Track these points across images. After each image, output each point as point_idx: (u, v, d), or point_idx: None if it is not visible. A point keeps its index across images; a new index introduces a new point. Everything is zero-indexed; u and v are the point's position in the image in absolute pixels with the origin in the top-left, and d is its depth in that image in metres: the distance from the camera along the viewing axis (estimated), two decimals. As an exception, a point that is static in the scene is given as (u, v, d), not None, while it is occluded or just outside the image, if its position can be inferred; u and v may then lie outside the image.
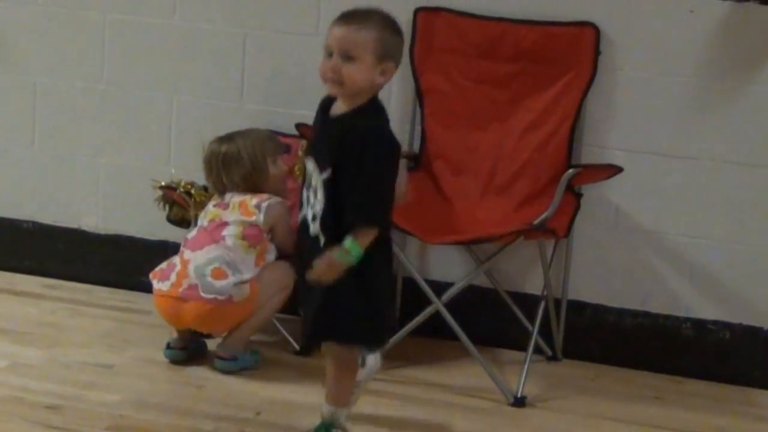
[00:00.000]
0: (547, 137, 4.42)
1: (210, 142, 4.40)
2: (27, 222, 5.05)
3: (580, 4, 4.45)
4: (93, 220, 4.96)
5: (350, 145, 3.32)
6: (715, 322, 4.58)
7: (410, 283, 4.47)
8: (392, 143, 3.44)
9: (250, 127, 4.50)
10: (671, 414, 4.32)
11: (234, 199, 4.32)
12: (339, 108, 3.45)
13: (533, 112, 4.46)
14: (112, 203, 4.93)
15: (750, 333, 4.57)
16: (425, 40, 4.53)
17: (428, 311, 4.29)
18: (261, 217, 4.26)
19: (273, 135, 4.46)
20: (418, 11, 4.53)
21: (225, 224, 4.26)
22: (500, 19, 4.46)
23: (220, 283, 4.15)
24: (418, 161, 4.59)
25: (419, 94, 4.56)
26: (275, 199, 4.31)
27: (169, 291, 4.19)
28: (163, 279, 4.21)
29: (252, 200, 4.28)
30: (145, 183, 4.52)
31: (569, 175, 4.18)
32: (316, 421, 3.78)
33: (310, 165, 3.43)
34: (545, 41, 4.43)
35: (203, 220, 4.33)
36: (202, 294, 4.14)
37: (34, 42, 5.01)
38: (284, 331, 4.54)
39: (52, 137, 5.02)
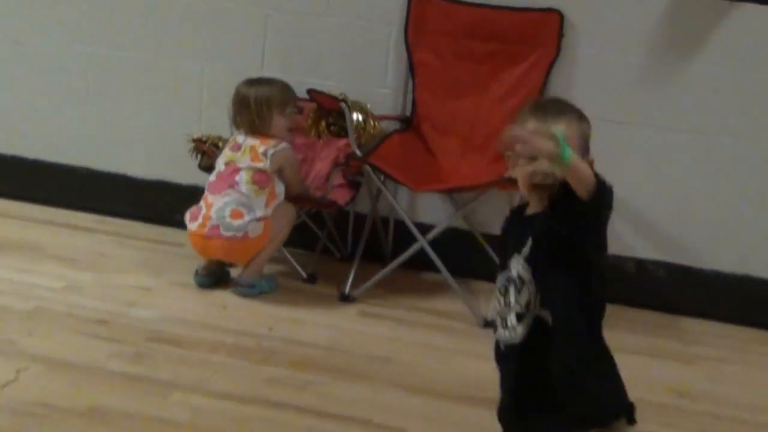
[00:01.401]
0: (517, 105, 4.30)
1: (241, 82, 4.41)
2: (82, 168, 5.06)
3: None
4: (136, 167, 4.99)
5: None
6: (654, 262, 4.68)
7: (401, 224, 4.53)
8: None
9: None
10: (616, 335, 4.30)
11: (246, 142, 4.33)
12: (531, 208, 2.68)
13: (506, 84, 4.51)
14: (152, 153, 4.97)
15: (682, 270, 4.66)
16: (418, 23, 4.57)
17: (415, 247, 4.38)
18: (267, 163, 4.27)
19: (287, 88, 4.43)
20: None
21: (238, 170, 4.28)
22: (481, 6, 4.52)
23: (237, 222, 4.23)
24: (409, 123, 4.64)
25: (411, 68, 4.60)
26: (281, 146, 4.33)
27: (197, 231, 4.29)
28: (193, 220, 4.31)
29: (260, 147, 4.30)
30: (180, 137, 4.55)
31: None
32: (319, 335, 4.01)
33: (515, 264, 2.61)
34: (517, 25, 4.48)
35: (220, 163, 4.35)
36: (223, 233, 4.24)
37: (91, 17, 5.00)
38: (294, 262, 4.60)
39: (103, 97, 5.02)
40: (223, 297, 4.34)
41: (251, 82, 4.38)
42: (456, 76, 4.59)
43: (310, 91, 4.47)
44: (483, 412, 3.45)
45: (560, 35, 4.48)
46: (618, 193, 4.34)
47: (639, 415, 2.71)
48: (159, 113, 4.96)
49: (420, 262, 4.47)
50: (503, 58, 4.46)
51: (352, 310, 4.36)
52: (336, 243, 4.81)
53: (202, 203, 4.32)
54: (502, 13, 4.48)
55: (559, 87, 4.52)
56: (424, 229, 4.40)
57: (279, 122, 4.36)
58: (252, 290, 4.36)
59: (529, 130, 2.36)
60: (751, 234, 4.60)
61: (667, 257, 4.68)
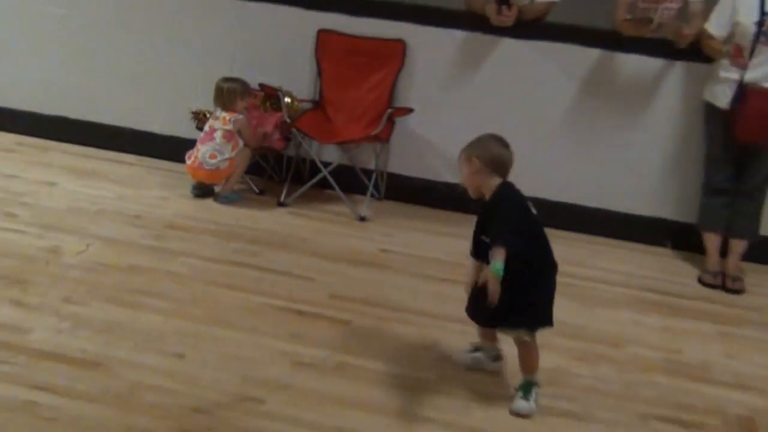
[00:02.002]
0: (378, 94, 4.45)
1: (219, 79, 4.31)
2: (126, 128, 4.89)
3: (397, 29, 4.42)
4: (158, 126, 4.84)
5: None
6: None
7: (312, 162, 4.51)
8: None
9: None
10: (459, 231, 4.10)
11: (221, 114, 4.28)
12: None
13: (373, 82, 4.47)
14: (170, 117, 4.77)
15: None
16: (323, 45, 4.50)
17: (320, 175, 4.39)
18: (231, 126, 4.26)
19: (245, 84, 4.31)
20: (320, 31, 4.51)
21: (215, 130, 4.27)
22: (358, 37, 4.47)
23: (213, 161, 4.25)
24: (318, 104, 4.56)
25: (319, 72, 4.55)
26: (239, 116, 4.27)
27: (190, 164, 4.28)
28: (188, 158, 4.28)
29: (228, 116, 4.26)
30: (187, 112, 4.50)
31: (388, 113, 4.30)
32: (265, 224, 4.07)
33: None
34: (379, 48, 4.43)
35: (207, 126, 4.31)
36: (204, 167, 4.25)
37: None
38: (251, 183, 4.56)
39: (143, 81, 4.82)
40: (209, 203, 4.33)
41: (225, 80, 4.33)
42: (344, 77, 4.54)
43: (261, 85, 4.45)
44: (356, 268, 3.67)
45: (404, 54, 4.45)
46: (441, 146, 4.46)
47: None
48: (175, 94, 4.78)
49: (324, 184, 4.43)
50: (370, 67, 4.42)
51: (284, 210, 4.35)
52: (276, 172, 4.74)
53: (194, 149, 4.31)
54: (370, 41, 4.45)
55: (402, 85, 4.49)
56: (326, 164, 4.40)
57: (239, 103, 4.31)
58: (226, 200, 4.34)
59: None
60: None
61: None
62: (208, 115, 4.39)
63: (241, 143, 4.31)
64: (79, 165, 4.64)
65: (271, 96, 4.52)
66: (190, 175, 4.33)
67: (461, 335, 3.15)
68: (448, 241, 4.10)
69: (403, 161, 4.58)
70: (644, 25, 4.10)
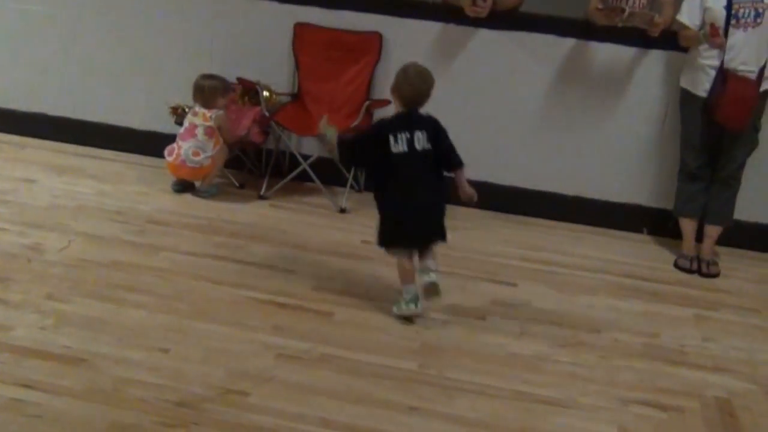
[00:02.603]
0: (356, 87, 4.44)
1: (198, 75, 4.30)
2: (103, 124, 4.84)
3: (374, 22, 4.41)
4: (137, 122, 4.80)
5: None
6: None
7: (292, 155, 4.51)
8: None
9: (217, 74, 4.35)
10: None
11: (200, 110, 4.26)
12: None
13: (350, 74, 4.46)
14: (148, 115, 4.73)
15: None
16: (300, 38, 4.49)
17: (300, 168, 4.38)
18: (212, 122, 4.24)
19: (225, 81, 4.32)
20: (296, 25, 4.49)
21: (196, 126, 4.24)
22: (335, 30, 4.46)
23: (196, 158, 4.22)
24: (296, 97, 4.55)
25: (297, 65, 4.53)
26: (219, 112, 4.26)
27: (173, 162, 4.25)
28: (169, 155, 4.25)
29: (208, 113, 4.25)
30: (165, 108, 4.46)
31: (366, 105, 4.32)
32: (246, 218, 4.08)
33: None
34: (356, 41, 4.42)
35: (186, 122, 4.28)
36: (188, 164, 4.23)
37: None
38: (231, 177, 4.53)
39: (113, 74, 4.76)
40: (189, 198, 4.32)
41: (205, 77, 4.31)
42: (322, 69, 4.53)
43: (239, 79, 4.44)
44: (338, 260, 3.69)
45: (381, 47, 4.44)
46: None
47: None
48: (153, 89, 4.72)
49: (304, 176, 4.43)
50: (347, 60, 4.40)
51: (265, 204, 4.35)
52: (256, 166, 4.72)
53: (174, 145, 4.28)
54: (347, 34, 4.44)
55: (379, 77, 4.45)
56: (305, 157, 4.38)
57: (219, 101, 4.31)
58: (206, 194, 4.34)
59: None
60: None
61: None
62: (186, 110, 4.37)
63: (221, 141, 4.29)
64: (58, 162, 4.61)
65: (249, 90, 4.50)
66: (171, 172, 4.31)
67: (442, 324, 3.22)
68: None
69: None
70: (616, 15, 4.12)
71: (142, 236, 3.74)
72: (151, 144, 4.61)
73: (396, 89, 3.11)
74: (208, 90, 4.25)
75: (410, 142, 3.05)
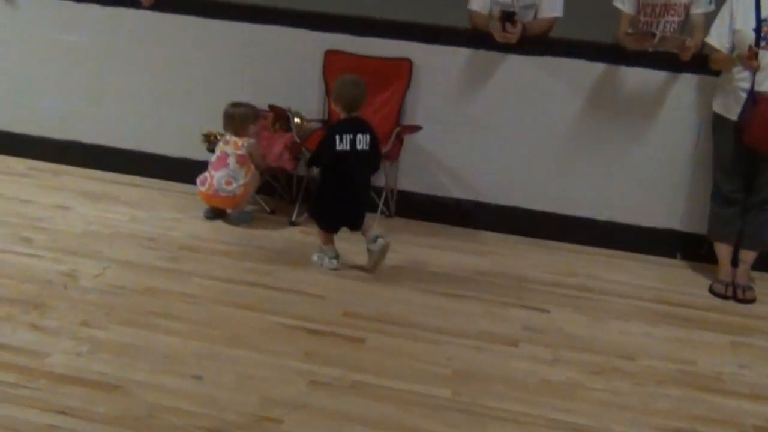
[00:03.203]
0: (386, 113, 4.44)
1: (228, 104, 4.32)
2: (138, 151, 4.87)
3: (404, 48, 4.44)
4: (169, 149, 4.83)
5: None
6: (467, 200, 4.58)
7: None
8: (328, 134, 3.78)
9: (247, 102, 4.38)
10: (449, 242, 4.44)
11: (232, 139, 4.29)
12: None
13: (380, 101, 4.45)
14: (180, 142, 4.75)
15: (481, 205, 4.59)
16: (330, 65, 4.50)
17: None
18: (244, 150, 4.27)
19: (255, 109, 4.36)
20: (327, 51, 4.52)
21: (227, 155, 4.27)
22: (365, 56, 4.47)
23: (229, 188, 4.25)
24: (327, 123, 4.53)
25: (327, 91, 4.52)
26: (251, 140, 4.30)
27: (205, 191, 4.28)
28: (202, 184, 4.28)
29: (239, 141, 4.28)
30: (197, 135, 4.45)
31: (396, 131, 4.35)
32: (276, 244, 4.08)
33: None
34: (386, 67, 4.44)
35: (218, 150, 4.31)
36: (220, 193, 4.25)
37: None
38: (262, 203, 4.56)
39: (146, 102, 4.83)
40: (221, 224, 4.33)
41: (234, 105, 4.33)
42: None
43: (270, 106, 4.48)
44: (368, 285, 3.65)
45: (411, 73, 4.47)
46: (450, 162, 4.55)
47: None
48: (185, 117, 4.76)
49: None
50: (377, 86, 4.36)
51: (296, 230, 4.35)
52: (287, 192, 4.73)
53: (207, 174, 4.31)
54: (377, 60, 4.44)
55: (410, 103, 4.50)
56: None
57: (250, 128, 4.34)
58: (238, 220, 4.35)
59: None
60: (511, 178, 4.55)
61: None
62: (219, 137, 4.40)
63: (253, 168, 4.32)
64: (92, 188, 4.66)
65: (280, 116, 4.53)
66: (203, 200, 4.33)
67: (473, 350, 3.22)
68: (457, 256, 4.18)
69: (412, 178, 4.60)
70: (647, 40, 4.12)
71: (175, 263, 3.77)
72: (184, 171, 4.65)
73: (337, 97, 3.74)
74: (239, 118, 4.27)
75: (353, 143, 3.68)
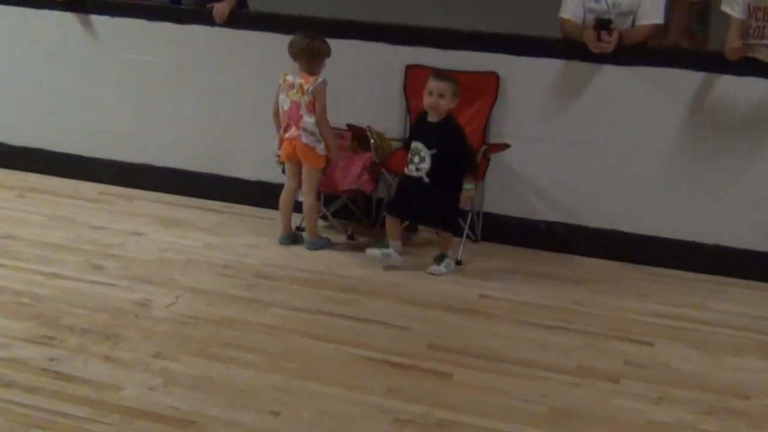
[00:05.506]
0: (472, 130, 4.38)
1: (298, 33, 4.18)
2: (210, 174, 4.95)
3: (491, 61, 4.42)
4: (245, 172, 4.90)
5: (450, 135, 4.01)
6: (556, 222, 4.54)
7: None
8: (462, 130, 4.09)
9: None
10: (540, 268, 4.41)
11: (297, 81, 4.16)
12: (432, 118, 4.06)
13: (466, 117, 4.37)
14: (256, 165, 4.81)
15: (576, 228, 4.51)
16: (412, 81, 4.48)
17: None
18: (310, 96, 4.16)
19: (326, 43, 4.18)
20: (408, 66, 4.52)
21: (298, 105, 4.18)
22: (449, 71, 4.32)
23: (309, 138, 4.22)
24: (407, 142, 4.41)
25: (408, 109, 4.54)
26: (319, 80, 4.16)
27: (291, 135, 4.22)
28: (286, 131, 4.24)
29: (306, 85, 4.15)
30: (273, 157, 4.43)
31: (483, 149, 4.29)
32: (356, 271, 4.10)
33: (419, 145, 4.05)
34: (472, 81, 4.36)
35: (286, 98, 4.21)
36: (303, 140, 4.21)
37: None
38: (340, 228, 4.60)
39: (220, 123, 4.90)
40: (298, 250, 4.37)
41: (306, 35, 4.17)
42: None
43: (348, 125, 4.49)
44: (455, 316, 3.62)
45: (497, 87, 4.45)
46: (537, 183, 4.55)
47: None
48: (260, 139, 4.71)
49: (416, 226, 4.55)
50: (462, 102, 4.25)
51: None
52: (365, 215, 4.75)
53: (281, 130, 4.28)
54: (463, 74, 4.34)
55: (498, 118, 4.50)
56: None
57: (324, 63, 4.22)
58: (314, 245, 4.39)
59: (433, 85, 3.97)
60: (597, 201, 4.51)
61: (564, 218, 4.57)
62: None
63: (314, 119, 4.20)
64: (165, 213, 4.74)
65: (359, 136, 4.54)
66: (284, 153, 4.27)
67: (570, 386, 3.14)
68: (550, 283, 4.13)
69: (499, 200, 4.58)
70: (756, 52, 4.01)
71: (251, 291, 3.80)
72: (259, 194, 4.72)
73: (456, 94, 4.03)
74: (316, 51, 4.14)
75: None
